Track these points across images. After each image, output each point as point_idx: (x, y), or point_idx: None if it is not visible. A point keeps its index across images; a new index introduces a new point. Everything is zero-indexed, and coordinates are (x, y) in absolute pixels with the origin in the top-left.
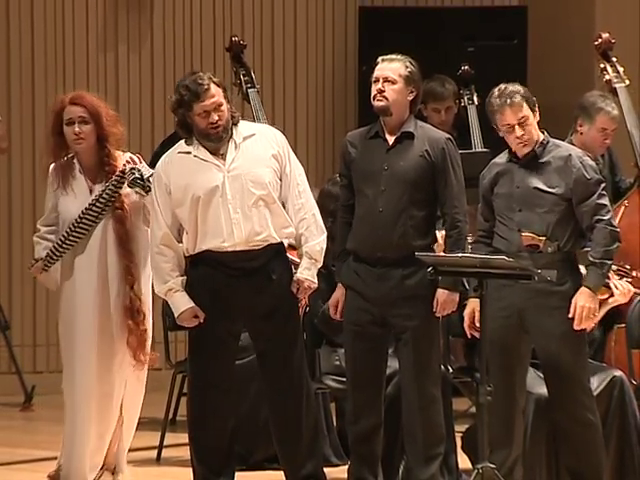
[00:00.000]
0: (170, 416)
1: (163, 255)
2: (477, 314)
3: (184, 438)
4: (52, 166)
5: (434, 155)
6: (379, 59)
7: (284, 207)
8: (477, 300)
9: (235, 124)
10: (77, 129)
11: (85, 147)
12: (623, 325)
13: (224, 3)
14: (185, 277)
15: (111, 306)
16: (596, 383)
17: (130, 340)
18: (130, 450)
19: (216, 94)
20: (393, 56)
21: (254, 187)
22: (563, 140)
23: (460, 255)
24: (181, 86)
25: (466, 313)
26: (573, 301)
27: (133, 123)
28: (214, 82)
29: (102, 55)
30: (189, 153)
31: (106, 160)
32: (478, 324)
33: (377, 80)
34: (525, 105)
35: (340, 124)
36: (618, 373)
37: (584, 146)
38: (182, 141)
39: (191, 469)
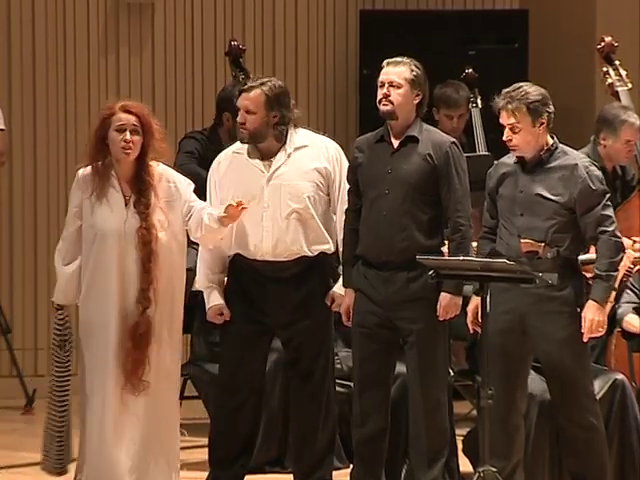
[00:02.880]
0: None
1: (206, 252)
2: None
3: (186, 442)
4: (85, 170)
5: (437, 159)
6: (384, 62)
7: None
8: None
9: (279, 138)
10: (128, 137)
11: (132, 157)
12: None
13: (225, 7)
14: (222, 275)
15: (124, 326)
16: (597, 387)
17: (124, 362)
18: None
19: (251, 99)
20: (398, 59)
21: (291, 199)
22: (574, 148)
23: (461, 258)
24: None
25: (469, 309)
26: (583, 315)
27: None
28: (263, 89)
29: (103, 58)
30: (242, 154)
31: (143, 175)
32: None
33: (382, 84)
34: (522, 112)
35: (341, 128)
36: (619, 376)
37: (609, 157)
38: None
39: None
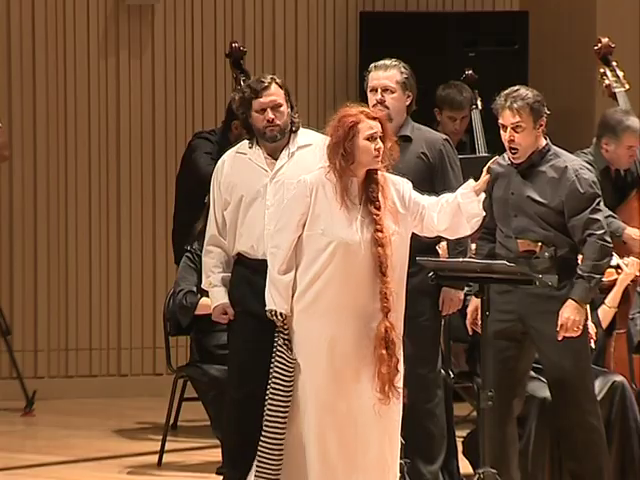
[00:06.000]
0: (171, 421)
1: (209, 252)
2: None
3: (185, 443)
4: (316, 177)
5: (432, 156)
6: (372, 66)
7: None
8: None
9: (294, 131)
10: (380, 145)
11: (380, 165)
12: (623, 331)
13: (225, 9)
14: (226, 274)
15: (365, 334)
16: (597, 388)
17: (381, 371)
18: (131, 455)
19: (276, 94)
20: (387, 62)
21: None
22: (569, 149)
23: (461, 260)
24: (244, 85)
25: (469, 310)
26: (560, 313)
27: (134, 129)
28: (277, 83)
29: (103, 61)
30: (245, 154)
31: (375, 178)
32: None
33: (374, 90)
34: (526, 111)
35: None
36: (619, 378)
37: (610, 161)
38: (245, 141)
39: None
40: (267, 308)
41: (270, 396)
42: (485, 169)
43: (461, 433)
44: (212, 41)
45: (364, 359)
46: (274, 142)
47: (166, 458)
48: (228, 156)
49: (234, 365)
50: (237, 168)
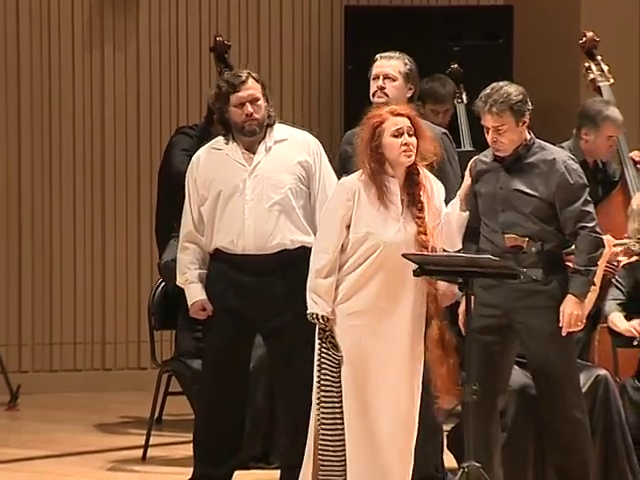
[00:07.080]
0: (156, 415)
1: (185, 249)
2: None
3: (170, 437)
4: (353, 179)
5: None
6: (377, 56)
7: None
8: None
9: (270, 125)
10: (408, 140)
11: (412, 159)
12: (606, 325)
13: (210, 2)
14: (202, 271)
15: (415, 336)
16: (581, 382)
17: (442, 372)
18: (115, 450)
19: (253, 88)
20: (391, 53)
21: (273, 191)
22: (554, 143)
23: (446, 254)
24: (220, 80)
25: (460, 311)
26: (561, 309)
27: (119, 122)
28: (253, 77)
29: (88, 54)
30: (221, 150)
31: (416, 177)
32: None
33: (377, 77)
34: (507, 114)
35: (326, 124)
36: (602, 372)
37: (590, 152)
38: (220, 137)
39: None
40: (309, 312)
41: (322, 400)
42: (467, 171)
43: (446, 427)
44: (197, 34)
45: (402, 360)
46: (253, 136)
47: (150, 452)
48: (203, 152)
49: (211, 362)
50: (214, 163)
